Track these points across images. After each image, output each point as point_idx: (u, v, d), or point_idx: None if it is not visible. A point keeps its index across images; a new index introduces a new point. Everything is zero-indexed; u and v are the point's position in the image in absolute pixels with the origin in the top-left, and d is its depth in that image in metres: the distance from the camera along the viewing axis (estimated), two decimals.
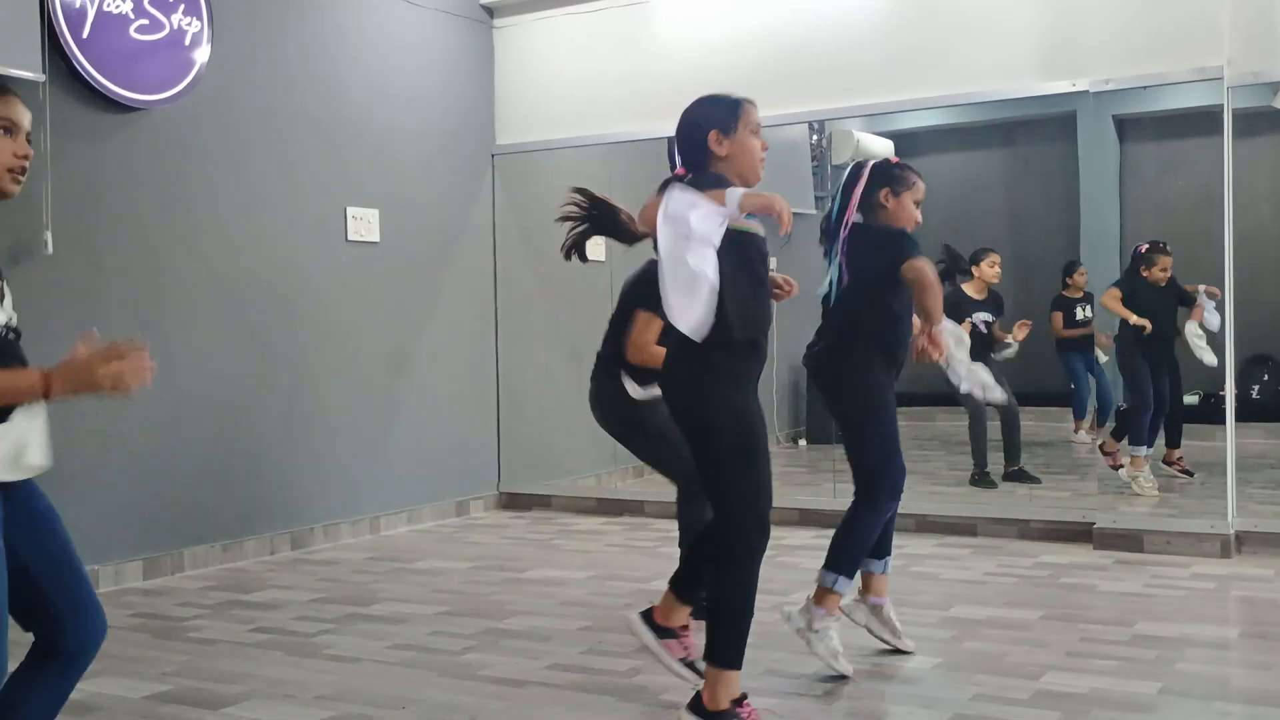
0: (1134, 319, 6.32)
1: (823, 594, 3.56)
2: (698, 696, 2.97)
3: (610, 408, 4.25)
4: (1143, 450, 6.25)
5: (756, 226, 2.93)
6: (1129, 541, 5.29)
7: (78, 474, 4.79)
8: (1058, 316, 7.54)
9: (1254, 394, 7.97)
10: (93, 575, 4.86)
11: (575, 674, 3.59)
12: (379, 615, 4.41)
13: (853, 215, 3.66)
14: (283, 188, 5.70)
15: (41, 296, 4.71)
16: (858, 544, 3.59)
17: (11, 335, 2.31)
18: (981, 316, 6.94)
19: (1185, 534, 5.22)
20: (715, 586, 3.00)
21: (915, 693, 3.41)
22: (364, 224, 6.10)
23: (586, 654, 3.81)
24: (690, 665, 3.22)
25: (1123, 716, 3.11)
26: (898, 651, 3.73)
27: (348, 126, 6.03)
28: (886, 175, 3.69)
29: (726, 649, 2.93)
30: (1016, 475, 6.93)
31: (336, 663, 3.77)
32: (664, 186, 3.04)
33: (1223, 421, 5.41)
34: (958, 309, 6.88)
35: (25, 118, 2.24)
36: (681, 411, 3.01)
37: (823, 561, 3.61)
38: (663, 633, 3.23)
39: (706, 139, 3.00)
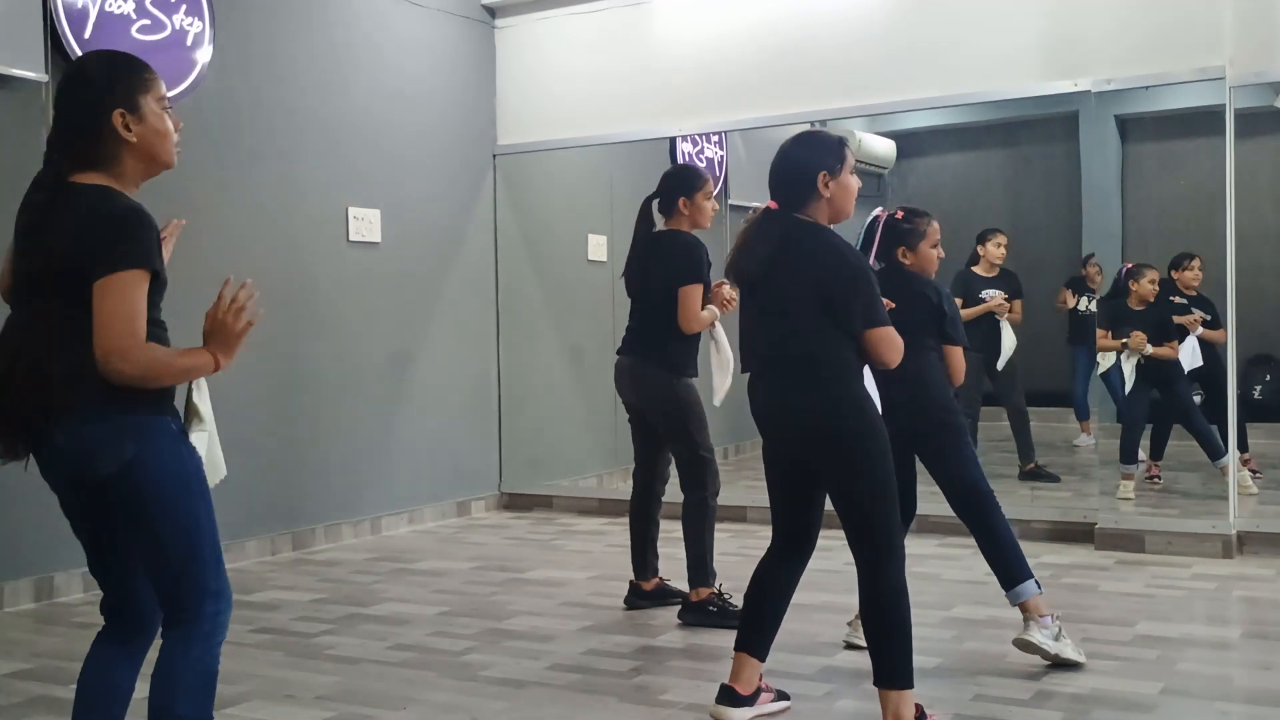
0: (1118, 344, 6.24)
1: (1024, 607, 3.59)
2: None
3: (652, 385, 4.29)
4: (1130, 468, 6.23)
5: None
6: (1130, 542, 5.29)
7: None
8: (1066, 294, 7.55)
9: (1255, 394, 7.97)
10: None
11: (576, 674, 3.59)
12: (380, 616, 4.41)
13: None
14: (284, 188, 5.70)
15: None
16: (1010, 548, 3.68)
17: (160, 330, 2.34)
18: (990, 293, 6.92)
19: (1187, 534, 5.22)
20: (873, 605, 2.92)
21: (916, 693, 3.40)
22: (365, 224, 6.10)
23: (587, 654, 3.81)
24: (780, 694, 3.21)
25: (1124, 716, 3.11)
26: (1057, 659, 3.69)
27: (349, 127, 6.03)
28: (897, 233, 3.76)
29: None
30: (1034, 474, 6.93)
31: (337, 663, 3.77)
32: (762, 219, 3.04)
33: (1224, 422, 5.41)
34: (967, 288, 6.89)
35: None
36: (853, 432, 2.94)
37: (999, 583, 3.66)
38: (755, 697, 3.12)
39: (815, 181, 2.99)
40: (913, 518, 3.87)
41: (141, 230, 2.20)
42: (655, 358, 4.26)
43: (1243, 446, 6.48)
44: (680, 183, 4.33)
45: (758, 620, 3.11)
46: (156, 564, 2.30)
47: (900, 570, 2.90)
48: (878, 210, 3.83)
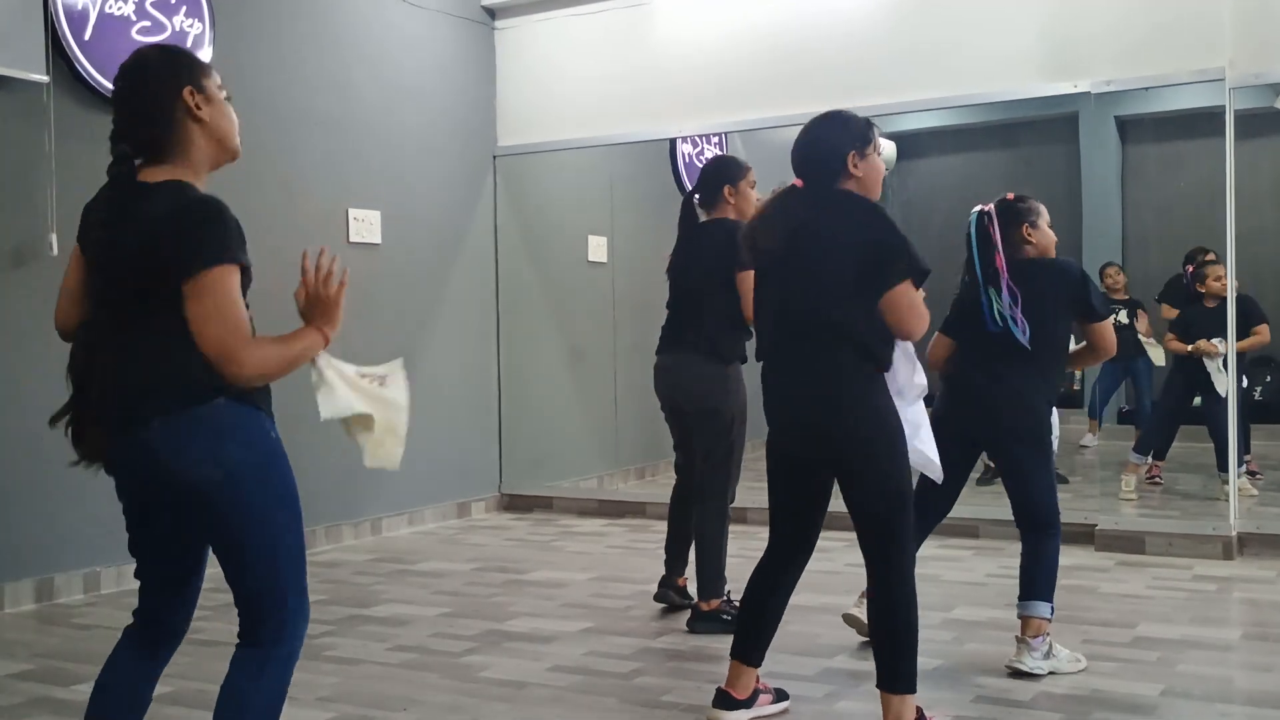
0: (1188, 349, 6.14)
1: (1027, 622, 3.58)
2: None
3: (703, 379, 4.19)
4: (1141, 459, 6.22)
5: None
6: (1131, 543, 5.29)
7: (80, 475, 4.77)
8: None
9: (1257, 395, 7.97)
10: (94, 576, 4.87)
11: (577, 675, 3.59)
12: (380, 617, 4.41)
13: (1003, 259, 3.60)
14: (284, 189, 5.70)
15: (47, 297, 4.69)
16: (1049, 569, 3.68)
17: None
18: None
19: (1187, 536, 5.22)
20: (883, 608, 2.92)
21: (917, 694, 3.41)
22: (366, 225, 6.10)
23: (588, 655, 3.81)
24: (780, 694, 3.22)
25: (1124, 718, 3.11)
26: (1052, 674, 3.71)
27: (349, 128, 6.03)
28: (1015, 215, 3.68)
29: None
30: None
31: (338, 664, 3.77)
32: (785, 195, 3.02)
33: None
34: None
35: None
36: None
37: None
38: (751, 700, 3.13)
39: (845, 160, 2.98)
40: (941, 519, 3.84)
41: (224, 223, 2.12)
42: (705, 350, 4.16)
43: (1244, 449, 6.47)
44: (723, 172, 4.26)
45: (755, 629, 3.09)
46: (239, 575, 2.24)
47: (910, 575, 2.89)
48: (977, 207, 3.69)
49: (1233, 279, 5.33)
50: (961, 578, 4.88)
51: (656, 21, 6.52)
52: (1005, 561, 5.18)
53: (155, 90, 2.19)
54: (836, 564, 5.16)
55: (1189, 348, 6.12)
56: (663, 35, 6.50)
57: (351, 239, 6.03)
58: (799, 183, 3.01)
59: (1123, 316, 7.28)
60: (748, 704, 3.11)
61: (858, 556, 5.33)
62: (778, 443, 3.10)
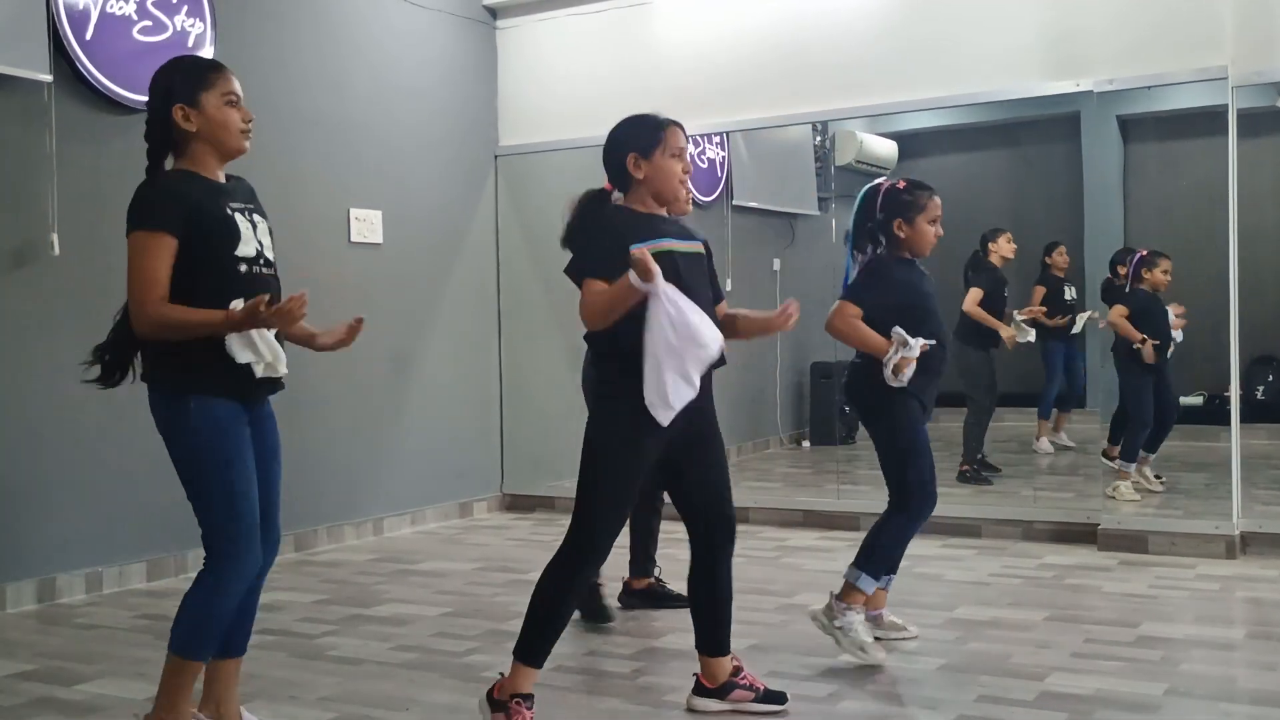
0: (1146, 345, 6.14)
1: (847, 589, 3.65)
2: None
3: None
4: (1132, 466, 6.16)
5: (675, 245, 3.02)
6: (1133, 542, 5.28)
7: (81, 475, 4.79)
8: (1040, 291, 7.53)
9: (1259, 395, 7.95)
10: (96, 576, 4.87)
11: (578, 675, 3.59)
12: (382, 617, 4.41)
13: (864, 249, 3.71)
14: (285, 189, 5.69)
15: (49, 297, 4.72)
16: (888, 545, 3.69)
17: (262, 268, 2.85)
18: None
19: (1190, 535, 5.21)
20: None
21: (919, 694, 3.41)
22: (367, 225, 6.10)
23: (590, 655, 3.81)
24: (769, 697, 3.21)
25: (1128, 717, 3.11)
26: (903, 640, 3.77)
27: (351, 128, 6.03)
28: (896, 204, 3.68)
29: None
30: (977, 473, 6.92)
31: (340, 664, 3.77)
32: (591, 199, 3.11)
33: (1227, 422, 5.40)
34: (995, 282, 6.94)
35: (239, 87, 2.82)
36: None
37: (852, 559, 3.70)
38: (724, 691, 3.20)
39: (625, 162, 3.03)
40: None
41: (148, 198, 2.68)
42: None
43: (1151, 448, 6.39)
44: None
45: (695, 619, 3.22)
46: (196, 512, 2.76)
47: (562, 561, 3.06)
48: (881, 179, 3.76)
49: (1234, 279, 5.33)
50: (963, 577, 4.87)
51: (657, 21, 6.52)
52: (1008, 561, 5.18)
53: (154, 107, 2.77)
54: (837, 563, 5.14)
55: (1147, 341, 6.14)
56: (663, 35, 6.49)
57: (353, 239, 6.03)
58: (608, 186, 3.11)
59: (1073, 292, 7.43)
60: (717, 694, 3.19)
61: None
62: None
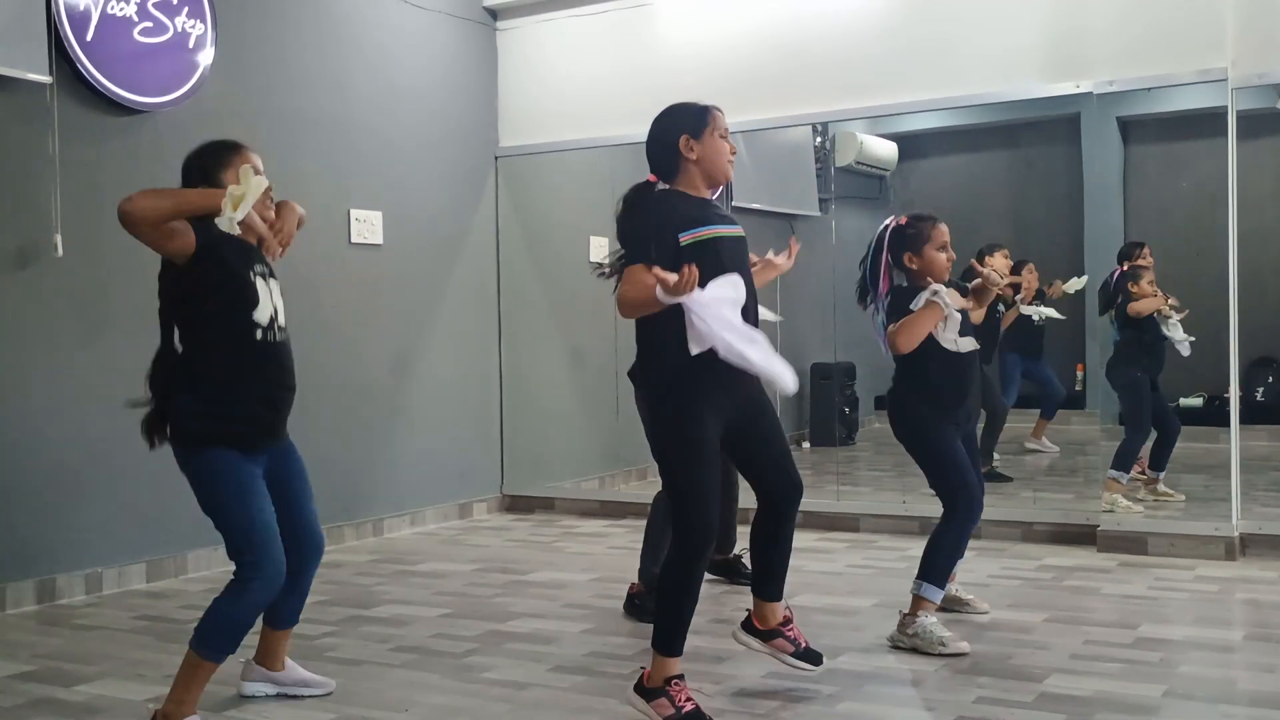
0: (1166, 302, 6.06)
1: (915, 602, 3.83)
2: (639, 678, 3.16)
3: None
4: (1126, 477, 5.97)
5: (722, 231, 3.12)
6: (1133, 544, 5.29)
7: (81, 476, 4.80)
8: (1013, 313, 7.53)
9: (1258, 396, 7.96)
10: (96, 577, 4.87)
11: (578, 676, 3.59)
12: (382, 617, 4.41)
13: (887, 284, 3.89)
14: (286, 190, 5.63)
15: (52, 298, 4.72)
16: (946, 552, 3.87)
17: (276, 335, 3.17)
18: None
19: (1189, 536, 5.21)
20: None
21: (919, 695, 3.41)
22: (367, 226, 6.10)
23: (590, 656, 3.81)
24: (805, 654, 3.37)
25: (1127, 719, 3.11)
26: (914, 651, 3.77)
27: (351, 129, 6.03)
28: (903, 240, 3.85)
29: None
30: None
31: (339, 665, 3.77)
32: (636, 193, 3.23)
33: (1227, 424, 5.40)
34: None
35: (258, 164, 3.15)
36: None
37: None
38: (768, 635, 3.38)
39: (677, 143, 3.16)
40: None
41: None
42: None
43: (1159, 465, 6.28)
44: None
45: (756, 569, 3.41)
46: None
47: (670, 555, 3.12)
48: (888, 219, 3.92)
49: (1234, 280, 5.33)
50: (963, 578, 4.84)
51: (658, 22, 6.52)
52: (1008, 563, 5.18)
53: (185, 181, 3.19)
54: (838, 564, 5.16)
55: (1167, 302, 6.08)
56: (664, 35, 6.49)
57: (353, 240, 6.03)
58: (652, 178, 3.23)
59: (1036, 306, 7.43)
60: (765, 637, 3.38)
61: (858, 557, 5.36)
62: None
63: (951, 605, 4.13)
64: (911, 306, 3.78)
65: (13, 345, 4.62)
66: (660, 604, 3.12)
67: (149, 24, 5.02)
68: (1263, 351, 7.93)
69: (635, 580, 4.41)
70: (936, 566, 3.83)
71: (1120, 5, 5.42)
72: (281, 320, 3.19)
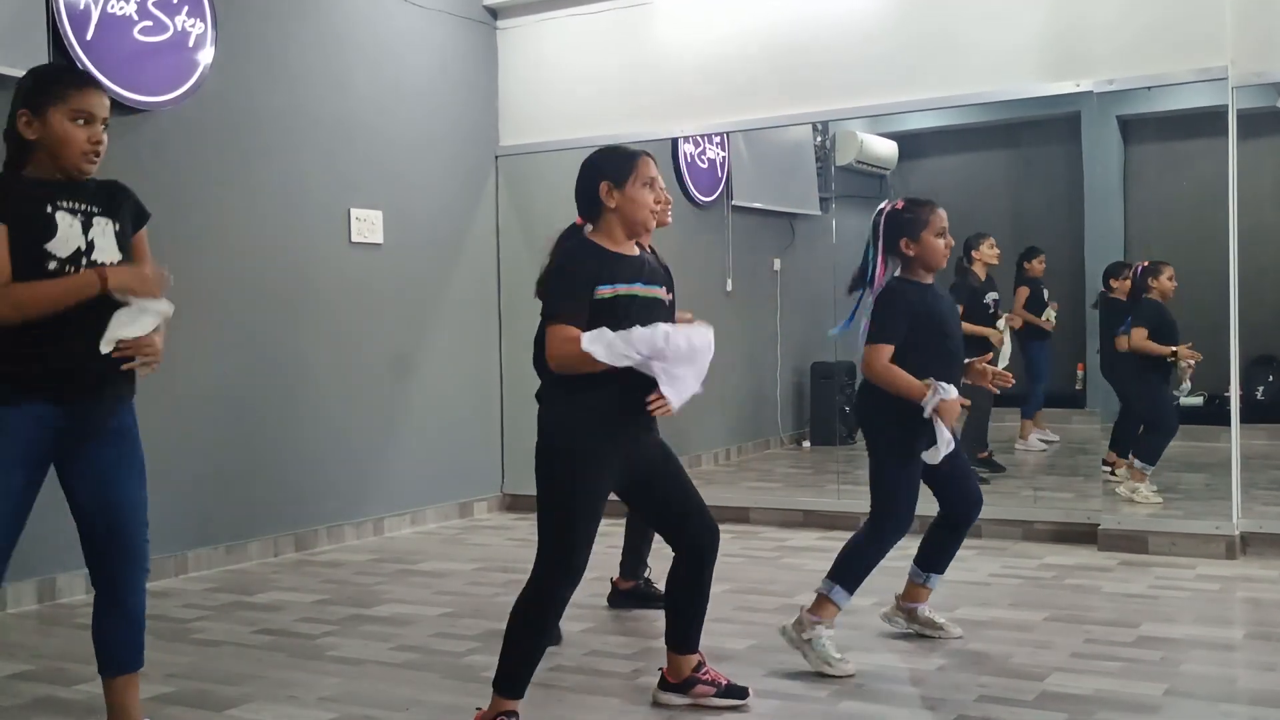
0: (1180, 354, 6.07)
1: (820, 602, 3.66)
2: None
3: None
4: (1150, 469, 6.01)
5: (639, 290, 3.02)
6: (1134, 543, 5.28)
7: None
8: (1024, 292, 7.54)
9: (1258, 395, 7.95)
10: None
11: (578, 676, 3.59)
12: (382, 617, 4.41)
13: (883, 271, 3.73)
14: (286, 189, 5.70)
15: None
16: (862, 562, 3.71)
17: (71, 269, 2.71)
18: (993, 296, 7.05)
19: (1190, 535, 5.21)
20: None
21: (920, 694, 3.41)
22: (367, 225, 6.10)
23: (589, 656, 3.81)
24: (729, 691, 3.28)
25: (1127, 718, 3.11)
26: (927, 638, 3.81)
27: (351, 128, 6.03)
28: (899, 225, 3.71)
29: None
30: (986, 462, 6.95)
31: (340, 664, 3.77)
32: (564, 237, 3.20)
33: (1227, 423, 5.40)
34: (973, 294, 6.92)
35: (101, 108, 2.75)
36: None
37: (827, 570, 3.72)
38: (686, 686, 3.28)
39: (598, 190, 3.07)
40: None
41: None
42: None
43: (1123, 452, 6.32)
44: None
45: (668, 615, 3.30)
46: None
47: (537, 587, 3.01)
48: (882, 204, 3.80)
49: (1234, 279, 5.33)
50: (964, 577, 4.86)
51: (658, 21, 6.51)
52: (1009, 561, 5.18)
53: (13, 105, 2.78)
54: None
55: (1170, 350, 6.11)
56: (664, 35, 6.49)
57: (353, 239, 6.03)
58: (580, 221, 3.17)
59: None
60: (680, 689, 3.27)
61: None
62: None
63: (925, 629, 3.93)
64: (923, 403, 3.53)
65: None
66: (511, 641, 2.97)
67: (149, 23, 5.02)
68: (1263, 350, 7.92)
69: (619, 577, 4.52)
70: (852, 571, 3.67)
71: (1120, 4, 5.41)
72: (99, 259, 2.73)
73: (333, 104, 5.93)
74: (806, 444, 8.82)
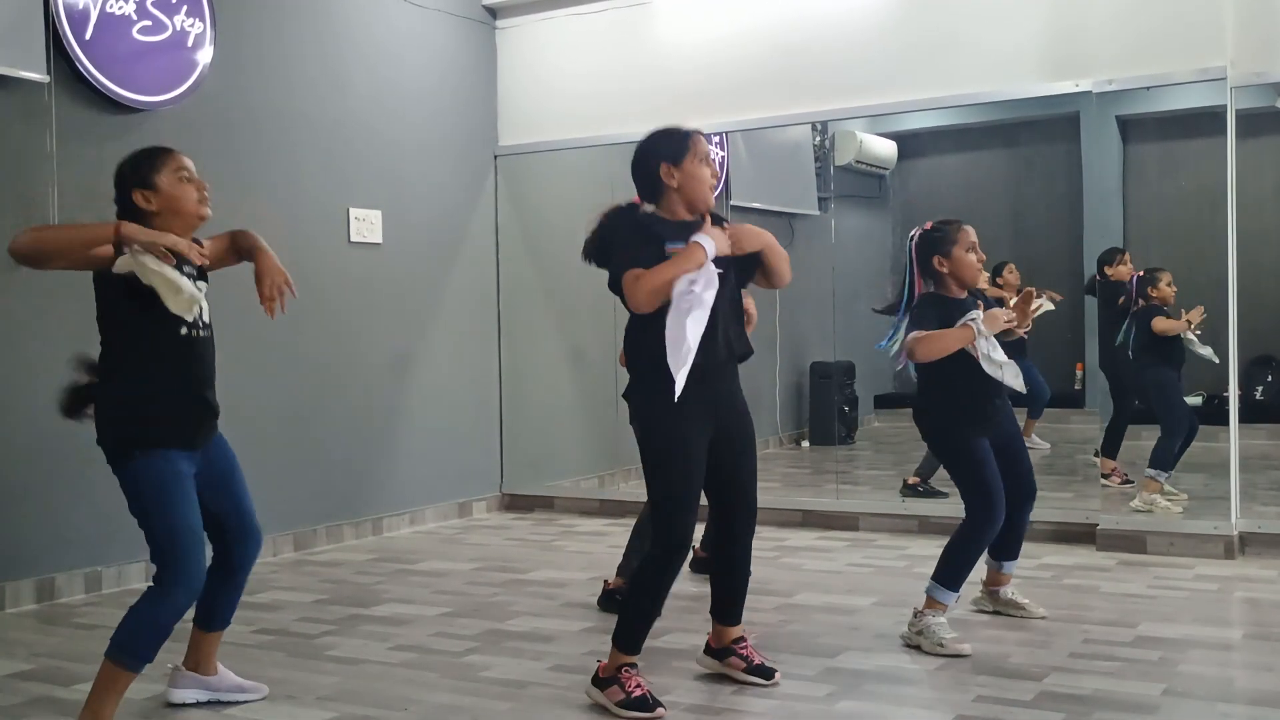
0: (1183, 323, 6.00)
1: (928, 600, 3.86)
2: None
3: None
4: (1165, 476, 5.93)
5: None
6: (1132, 543, 5.29)
7: (80, 476, 4.79)
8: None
9: (1257, 395, 7.96)
10: (95, 576, 4.88)
11: (578, 675, 3.59)
12: (381, 616, 4.41)
13: (920, 290, 3.90)
14: (285, 189, 5.70)
15: (48, 298, 4.71)
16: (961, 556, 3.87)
17: (199, 332, 3.18)
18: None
19: (1189, 535, 5.22)
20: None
21: (918, 694, 3.41)
22: (366, 225, 6.10)
23: (589, 655, 3.81)
24: (757, 670, 3.43)
25: (1126, 718, 3.11)
26: (917, 650, 3.78)
27: (350, 127, 6.03)
28: (930, 244, 3.86)
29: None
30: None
31: (339, 664, 3.77)
32: (620, 212, 3.32)
33: (1226, 423, 5.40)
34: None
35: (191, 164, 3.19)
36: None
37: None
38: (722, 654, 3.49)
39: (658, 170, 3.20)
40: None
41: None
42: None
43: (1112, 455, 6.37)
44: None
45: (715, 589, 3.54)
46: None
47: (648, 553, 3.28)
48: (914, 230, 3.94)
49: (1233, 279, 5.33)
50: (968, 576, 4.86)
51: (657, 21, 6.52)
52: None
53: (119, 191, 3.14)
54: (837, 564, 5.16)
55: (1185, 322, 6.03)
56: (663, 35, 6.49)
57: (352, 239, 6.03)
58: (637, 200, 3.29)
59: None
60: (718, 655, 3.49)
61: (858, 556, 5.37)
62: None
63: (1006, 609, 4.15)
64: (972, 324, 3.70)
65: (12, 345, 4.62)
66: (630, 604, 3.27)
67: (148, 22, 5.02)
68: (1262, 350, 7.93)
69: (614, 576, 4.50)
70: (949, 568, 3.83)
71: (1119, 4, 5.42)
72: (206, 318, 3.20)
73: (332, 103, 5.93)
74: (805, 444, 8.83)
